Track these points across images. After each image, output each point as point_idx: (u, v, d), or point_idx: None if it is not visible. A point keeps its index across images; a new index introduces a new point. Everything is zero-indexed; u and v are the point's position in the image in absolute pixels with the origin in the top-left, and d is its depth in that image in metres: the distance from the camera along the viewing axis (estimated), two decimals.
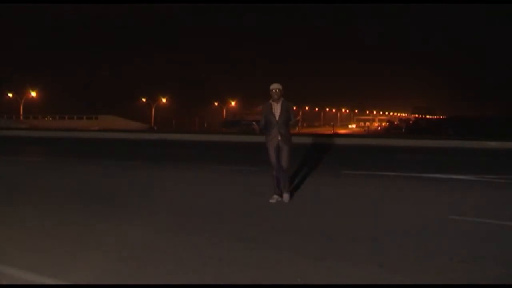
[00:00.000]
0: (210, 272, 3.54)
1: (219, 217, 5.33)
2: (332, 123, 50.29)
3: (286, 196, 5.98)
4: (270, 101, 5.91)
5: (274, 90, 5.83)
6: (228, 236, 4.49)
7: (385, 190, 7.18)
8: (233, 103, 69.27)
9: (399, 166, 10.16)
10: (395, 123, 76.24)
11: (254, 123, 6.01)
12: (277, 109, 5.85)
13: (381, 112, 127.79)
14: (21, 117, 49.06)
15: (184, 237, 4.49)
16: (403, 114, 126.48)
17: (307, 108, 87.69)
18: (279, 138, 5.83)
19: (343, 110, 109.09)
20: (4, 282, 3.38)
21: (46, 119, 53.09)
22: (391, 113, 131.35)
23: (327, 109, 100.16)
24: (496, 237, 4.60)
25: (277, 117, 5.83)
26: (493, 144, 16.63)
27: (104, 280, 3.41)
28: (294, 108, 6.15)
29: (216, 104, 70.34)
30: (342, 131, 50.14)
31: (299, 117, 5.77)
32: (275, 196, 5.97)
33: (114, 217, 5.31)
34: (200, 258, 3.84)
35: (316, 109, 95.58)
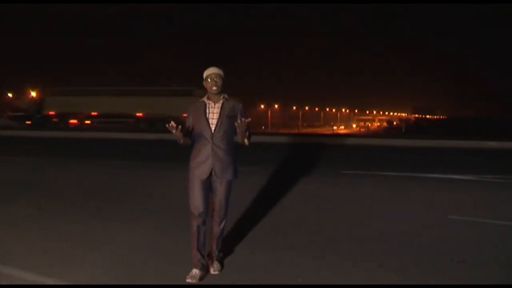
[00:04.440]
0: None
1: None
2: (332, 123, 50.36)
3: (216, 267, 3.55)
4: (204, 98, 3.51)
5: (210, 79, 3.43)
6: (228, 236, 4.49)
7: (384, 190, 7.18)
8: None
9: (399, 166, 10.15)
10: (394, 123, 76.24)
11: (172, 123, 3.27)
12: (214, 112, 3.44)
13: (381, 112, 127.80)
14: None
15: (184, 237, 4.48)
16: (403, 114, 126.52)
17: (307, 108, 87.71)
18: (214, 164, 3.39)
19: (343, 110, 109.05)
20: (4, 282, 3.38)
21: None
22: (391, 113, 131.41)
23: (327, 109, 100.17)
24: (496, 237, 4.60)
25: (212, 126, 3.40)
26: (493, 144, 16.62)
27: (104, 280, 3.41)
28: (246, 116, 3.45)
29: None
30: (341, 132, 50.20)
31: (247, 119, 3.34)
32: (196, 272, 3.39)
33: (114, 217, 5.31)
34: None
35: (316, 109, 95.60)
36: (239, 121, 3.31)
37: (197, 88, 36.52)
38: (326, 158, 11.64)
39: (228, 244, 4.21)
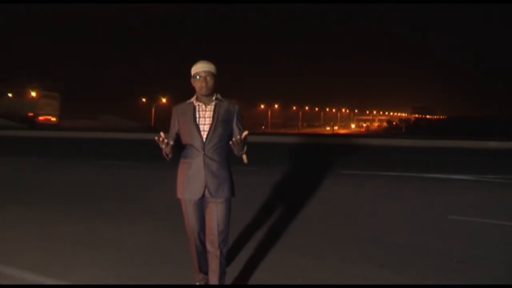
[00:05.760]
0: None
1: None
2: (331, 123, 50.41)
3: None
4: (193, 99, 2.87)
5: (198, 77, 2.78)
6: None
7: (385, 190, 7.18)
8: None
9: (399, 166, 10.16)
10: (393, 123, 76.45)
11: (161, 135, 2.61)
12: (205, 116, 2.80)
13: (381, 112, 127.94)
14: None
15: (184, 237, 4.47)
16: (403, 114, 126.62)
17: (307, 108, 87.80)
18: (207, 181, 2.77)
19: (343, 110, 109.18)
20: (5, 282, 3.38)
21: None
22: (391, 113, 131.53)
23: (327, 109, 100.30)
24: (496, 237, 4.60)
25: (204, 134, 2.77)
26: (493, 144, 16.63)
27: (104, 280, 3.41)
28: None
29: None
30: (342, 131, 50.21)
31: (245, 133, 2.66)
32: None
33: (114, 217, 5.31)
34: None
35: (316, 109, 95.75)
36: (234, 140, 2.62)
37: (5, 89, 41.97)
38: (325, 158, 11.64)
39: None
